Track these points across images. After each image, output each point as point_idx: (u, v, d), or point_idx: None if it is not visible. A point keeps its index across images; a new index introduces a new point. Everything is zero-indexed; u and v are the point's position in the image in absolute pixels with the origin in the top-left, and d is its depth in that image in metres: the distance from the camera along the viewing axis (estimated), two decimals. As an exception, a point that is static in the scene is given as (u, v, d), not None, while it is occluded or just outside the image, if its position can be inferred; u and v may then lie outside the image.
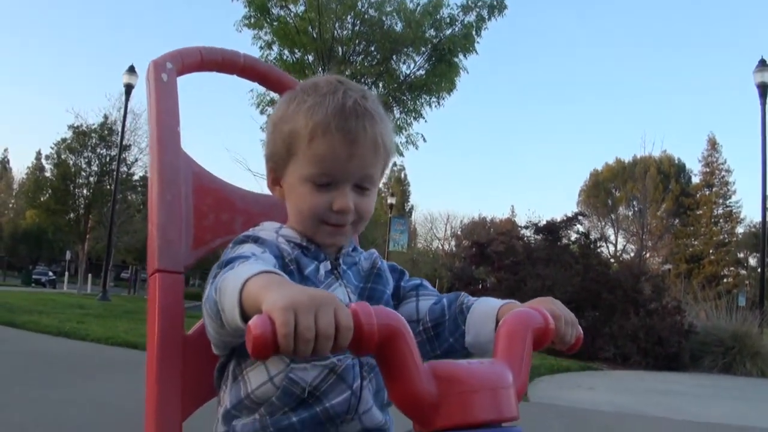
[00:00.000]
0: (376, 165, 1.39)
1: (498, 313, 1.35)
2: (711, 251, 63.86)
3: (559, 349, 1.31)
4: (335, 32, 21.11)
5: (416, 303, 1.50)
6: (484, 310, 1.40)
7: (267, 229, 1.43)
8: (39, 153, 59.57)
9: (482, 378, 1.00)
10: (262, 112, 21.32)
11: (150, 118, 1.65)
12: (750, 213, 65.41)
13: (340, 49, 21.37)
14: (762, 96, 18.25)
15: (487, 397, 0.98)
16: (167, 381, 1.45)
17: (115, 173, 31.46)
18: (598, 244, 19.54)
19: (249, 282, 1.04)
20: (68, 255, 53.99)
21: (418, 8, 21.00)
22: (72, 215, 42.15)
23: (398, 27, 21.36)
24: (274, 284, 1.01)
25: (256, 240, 1.35)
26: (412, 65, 21.87)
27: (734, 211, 65.18)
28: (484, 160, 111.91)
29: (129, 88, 26.15)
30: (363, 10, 21.15)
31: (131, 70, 25.17)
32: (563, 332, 1.27)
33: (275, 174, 1.45)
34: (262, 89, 19.08)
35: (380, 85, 21.93)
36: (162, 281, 1.49)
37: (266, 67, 1.93)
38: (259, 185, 16.62)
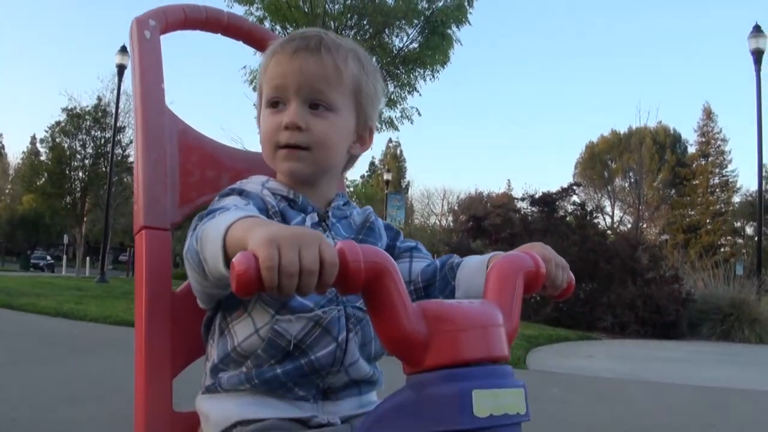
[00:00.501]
0: (331, 86, 1.37)
1: (488, 263, 1.33)
2: (708, 221, 63.84)
3: (551, 295, 1.30)
4: (327, 6, 20.94)
5: (410, 264, 1.49)
6: (474, 264, 1.40)
7: (253, 182, 1.41)
8: (34, 137, 59.43)
9: (472, 317, 0.99)
10: (255, 89, 21.18)
11: (133, 76, 1.63)
12: (746, 182, 65.52)
13: (332, 23, 21.17)
14: (756, 62, 18.21)
15: (477, 335, 0.97)
16: (156, 338, 1.45)
17: (110, 155, 31.35)
18: (595, 215, 19.56)
19: (232, 227, 1.04)
20: (66, 239, 54.03)
21: (410, -21, 20.81)
22: (68, 199, 42.10)
23: (390, 0, 21.21)
24: (257, 225, 1.00)
25: (241, 192, 1.34)
26: (405, 38, 21.67)
27: (730, 180, 65.12)
28: (479, 135, 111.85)
29: (121, 69, 25.94)
30: (354, -17, 20.98)
31: (123, 50, 24.81)
32: (554, 275, 1.27)
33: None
34: (255, 65, 18.98)
35: (373, 59, 21.66)
36: (149, 238, 1.49)
37: (251, 25, 1.90)
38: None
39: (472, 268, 1.39)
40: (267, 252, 0.88)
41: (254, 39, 1.87)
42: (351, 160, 1.50)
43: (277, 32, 20.85)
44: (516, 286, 1.12)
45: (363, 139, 1.49)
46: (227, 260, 1.03)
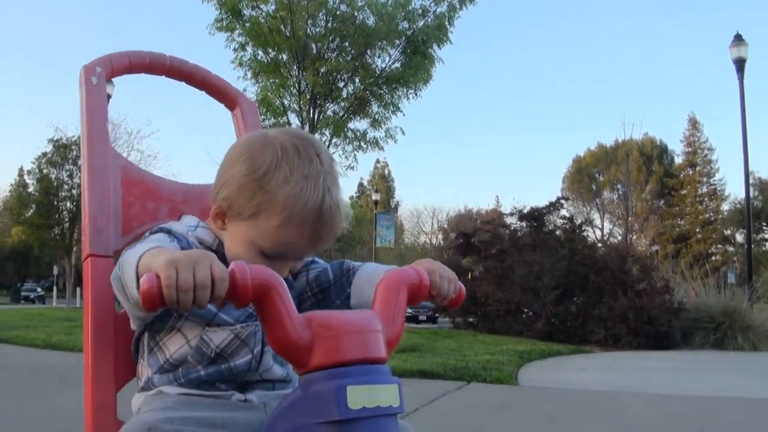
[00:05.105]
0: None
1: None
2: (697, 230, 64.21)
3: (441, 304, 1.45)
4: (308, 30, 21.07)
5: (306, 275, 1.64)
6: (370, 276, 1.56)
7: (183, 225, 1.55)
8: (21, 169, 59.11)
9: (351, 323, 1.16)
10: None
11: (81, 117, 1.82)
12: (734, 190, 65.87)
13: (314, 46, 21.34)
14: (739, 71, 18.30)
15: (355, 340, 1.14)
16: (101, 355, 1.60)
17: (96, 185, 31.30)
18: (584, 229, 19.51)
19: (144, 255, 1.22)
20: (56, 270, 53.88)
21: (390, 1, 20.96)
22: (57, 229, 42.01)
23: (371, 21, 21.35)
24: (162, 251, 1.19)
25: (169, 231, 1.48)
26: (387, 59, 21.93)
27: (718, 188, 65.67)
28: (467, 153, 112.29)
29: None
30: (334, 6, 21.14)
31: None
32: (440, 286, 1.41)
33: (222, 211, 1.47)
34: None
35: (356, 80, 21.90)
36: (94, 265, 1.63)
37: (192, 66, 2.03)
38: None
39: (366, 279, 1.56)
40: (166, 272, 1.05)
41: (195, 79, 2.03)
42: None
43: (259, 57, 21.09)
44: (399, 297, 1.29)
45: None
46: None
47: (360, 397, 1.09)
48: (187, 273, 1.05)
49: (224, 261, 1.41)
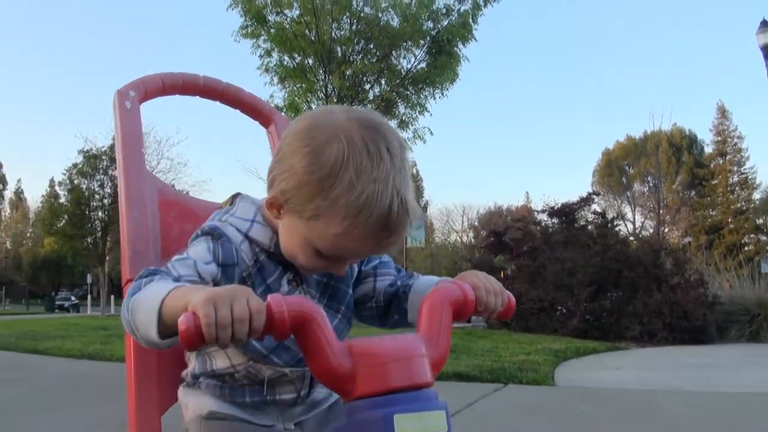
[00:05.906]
0: None
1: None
2: (730, 220, 63.46)
3: (489, 317, 1.40)
4: (333, 33, 21.08)
5: (374, 282, 1.63)
6: (420, 290, 1.52)
7: (236, 223, 1.45)
8: (52, 180, 59.69)
9: (393, 350, 1.13)
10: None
11: (116, 142, 1.83)
12: (765, 178, 65.06)
13: (339, 49, 21.36)
14: (766, 57, 18.04)
15: (399, 366, 1.11)
16: (144, 380, 1.64)
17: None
18: (616, 223, 19.35)
19: (167, 299, 1.16)
20: (89, 278, 54.33)
21: (413, 1, 20.93)
22: (90, 239, 42.28)
23: (395, 22, 21.32)
24: (193, 290, 1.14)
25: (220, 236, 1.40)
26: (412, 59, 21.86)
27: (749, 177, 64.79)
28: (495, 150, 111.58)
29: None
30: (358, 9, 21.14)
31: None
32: (486, 300, 1.35)
33: (278, 202, 1.33)
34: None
35: (382, 82, 21.88)
36: None
37: (225, 85, 2.03)
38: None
39: (418, 294, 1.50)
40: (205, 310, 1.02)
41: (227, 98, 2.02)
42: None
43: (285, 62, 21.15)
44: (443, 316, 1.24)
45: None
46: (163, 328, 1.16)
47: (408, 425, 1.06)
48: (226, 309, 1.02)
49: (280, 259, 1.45)
